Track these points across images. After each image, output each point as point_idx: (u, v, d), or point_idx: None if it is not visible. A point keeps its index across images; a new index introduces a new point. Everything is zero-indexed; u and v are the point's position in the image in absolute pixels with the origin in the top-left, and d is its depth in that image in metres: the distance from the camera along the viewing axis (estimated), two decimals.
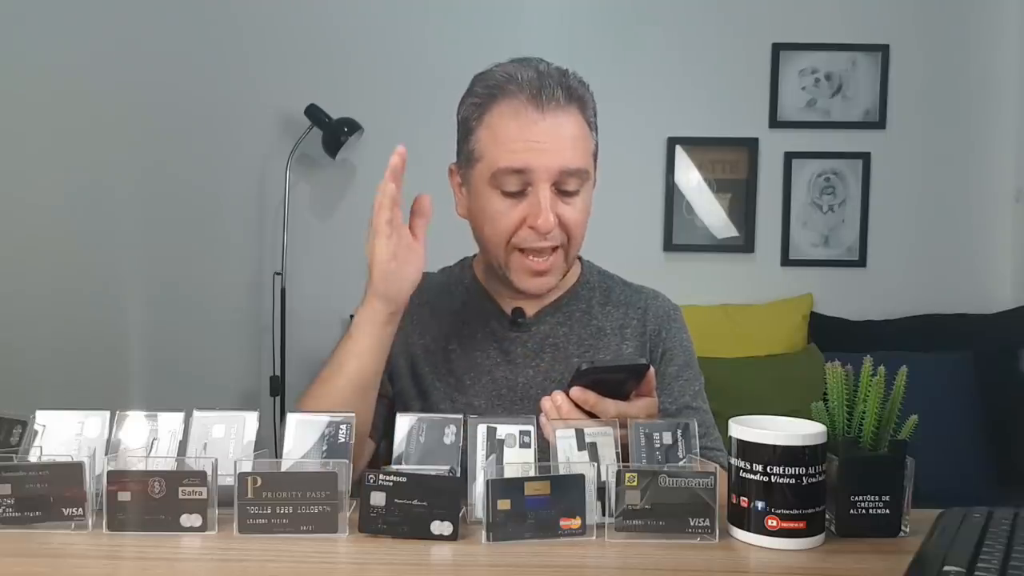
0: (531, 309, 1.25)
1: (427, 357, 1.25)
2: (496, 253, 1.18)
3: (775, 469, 0.84)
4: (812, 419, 0.91)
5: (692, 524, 0.86)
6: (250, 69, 2.96)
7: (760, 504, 0.84)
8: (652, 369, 1.01)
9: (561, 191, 1.13)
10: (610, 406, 0.97)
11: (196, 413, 0.98)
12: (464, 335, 1.25)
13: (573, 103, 1.13)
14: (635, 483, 0.85)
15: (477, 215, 1.19)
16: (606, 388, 0.97)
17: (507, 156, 1.11)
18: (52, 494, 0.88)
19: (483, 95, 1.15)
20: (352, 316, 1.13)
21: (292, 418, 0.97)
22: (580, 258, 1.32)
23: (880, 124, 2.94)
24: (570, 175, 1.12)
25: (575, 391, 0.97)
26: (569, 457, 0.94)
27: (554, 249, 1.16)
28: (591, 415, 0.97)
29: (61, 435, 0.97)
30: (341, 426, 0.96)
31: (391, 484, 0.86)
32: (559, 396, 0.98)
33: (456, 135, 1.21)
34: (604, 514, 0.87)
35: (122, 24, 2.95)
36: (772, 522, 0.84)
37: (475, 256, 1.32)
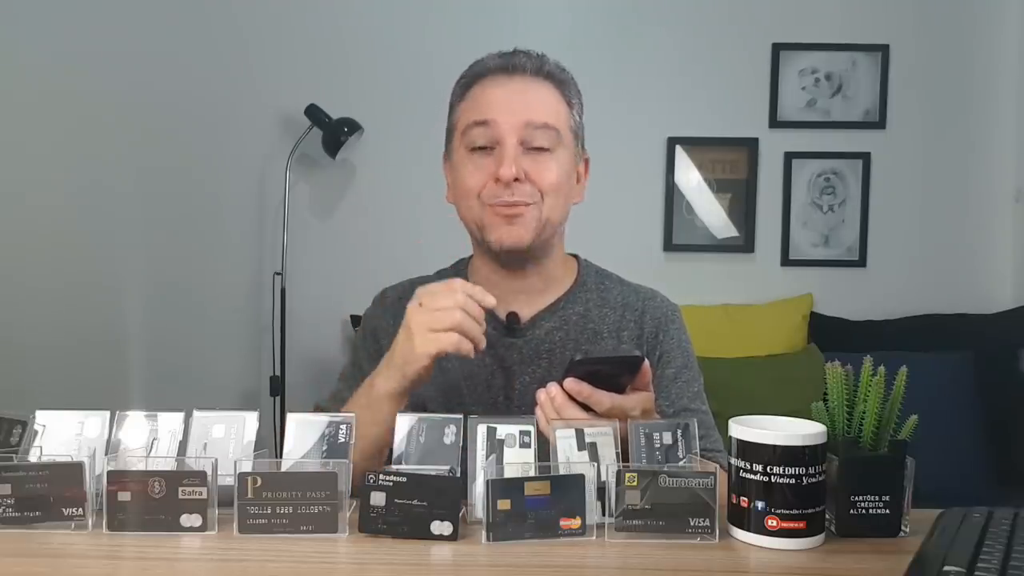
0: (526, 313, 1.24)
1: None
2: (471, 213, 1.19)
3: (775, 469, 0.84)
4: (812, 419, 0.91)
5: (692, 524, 0.86)
6: (250, 69, 2.96)
7: (760, 504, 0.84)
8: (647, 362, 1.00)
9: (531, 148, 1.15)
10: (604, 398, 0.96)
11: (196, 413, 0.98)
12: None
13: (546, 79, 1.18)
14: (635, 483, 0.85)
15: (455, 182, 1.21)
16: (601, 381, 0.97)
17: (474, 112, 1.16)
18: (52, 494, 0.88)
19: (467, 76, 1.21)
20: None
21: (292, 418, 0.97)
22: (577, 258, 1.31)
23: (880, 124, 2.94)
24: (536, 129, 1.15)
25: (569, 382, 0.96)
26: (569, 457, 0.94)
27: (525, 204, 1.16)
28: (586, 407, 0.97)
29: (61, 435, 0.97)
30: (341, 426, 0.96)
31: (391, 484, 0.86)
32: (554, 388, 0.97)
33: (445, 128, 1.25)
34: (604, 514, 0.87)
35: (122, 24, 2.95)
36: (772, 522, 0.84)
37: (470, 258, 1.31)
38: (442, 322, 1.03)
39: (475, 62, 1.22)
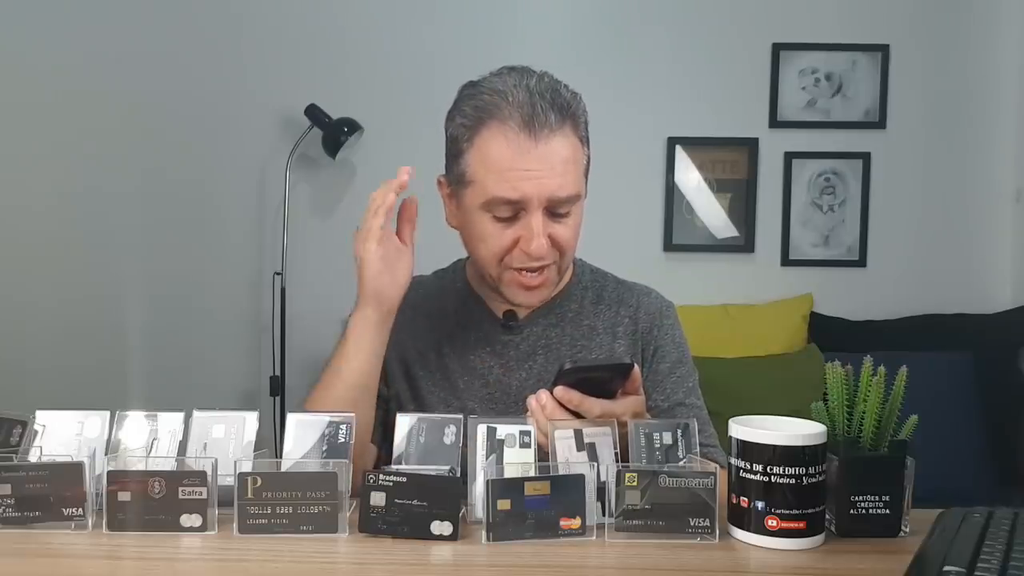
0: (523, 311, 1.25)
1: (421, 361, 1.25)
2: (488, 270, 1.18)
3: (775, 469, 0.84)
4: (812, 419, 0.91)
5: (692, 524, 0.86)
6: (250, 69, 2.96)
7: (760, 504, 0.84)
8: (637, 368, 1.01)
9: (553, 214, 1.13)
10: (594, 405, 0.97)
11: (196, 413, 0.98)
12: (457, 339, 1.25)
13: (566, 122, 1.11)
14: (635, 483, 0.85)
15: (468, 233, 1.19)
16: (592, 387, 0.97)
17: (500, 186, 1.10)
18: (52, 494, 0.88)
19: (472, 116, 1.12)
20: (347, 318, 1.14)
21: (292, 418, 0.97)
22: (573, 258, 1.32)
23: (880, 124, 2.94)
24: (562, 202, 1.13)
25: (559, 390, 0.97)
26: (568, 457, 0.94)
27: (547, 266, 1.16)
28: (576, 414, 0.97)
29: (61, 435, 0.97)
30: (341, 426, 0.96)
31: (391, 484, 0.86)
32: (544, 395, 0.98)
33: (444, 148, 1.20)
34: (604, 514, 0.87)
35: (122, 25, 2.94)
36: (772, 522, 0.84)
37: (468, 259, 1.31)
38: (367, 224, 1.11)
39: (477, 89, 1.14)
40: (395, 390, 1.24)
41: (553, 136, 1.10)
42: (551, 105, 1.10)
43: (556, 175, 1.10)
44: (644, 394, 1.12)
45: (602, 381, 0.99)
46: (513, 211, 1.12)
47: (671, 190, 2.97)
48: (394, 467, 0.92)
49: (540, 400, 0.98)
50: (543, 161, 1.10)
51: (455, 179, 1.18)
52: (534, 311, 1.26)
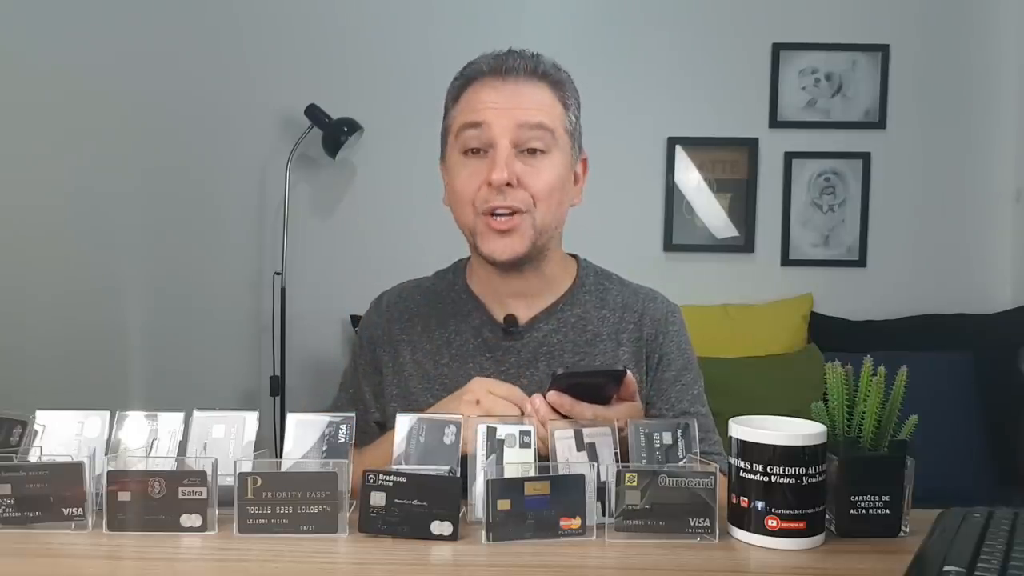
0: (524, 316, 1.23)
1: (418, 373, 1.23)
2: (465, 220, 1.18)
3: (775, 469, 0.84)
4: (812, 419, 0.91)
5: (692, 524, 0.86)
6: (250, 69, 2.96)
7: (760, 504, 0.84)
8: (631, 375, 1.01)
9: (524, 151, 1.14)
10: (587, 410, 0.97)
11: (196, 413, 0.98)
12: (456, 346, 1.23)
13: (541, 79, 1.16)
14: (635, 483, 0.85)
15: (449, 187, 1.20)
16: (586, 392, 0.98)
17: (467, 114, 1.15)
18: (52, 494, 0.88)
19: (460, 78, 1.20)
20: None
21: (292, 418, 0.97)
22: (577, 258, 1.30)
23: (880, 124, 2.94)
24: (530, 130, 1.13)
25: (551, 395, 0.98)
26: (568, 457, 0.94)
27: (519, 212, 1.14)
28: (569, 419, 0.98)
29: (61, 435, 0.97)
30: (341, 426, 0.96)
31: (391, 484, 0.86)
32: (537, 399, 0.99)
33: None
34: (604, 514, 0.87)
35: (122, 25, 2.95)
36: (772, 522, 0.84)
37: (468, 259, 1.30)
38: (494, 410, 1.03)
39: (468, 63, 1.20)
40: (391, 411, 1.21)
41: (523, 81, 1.15)
42: (524, 59, 1.16)
43: (523, 105, 1.14)
44: (643, 400, 1.12)
45: (596, 387, 0.99)
46: (481, 143, 1.14)
47: (671, 190, 2.98)
48: (394, 467, 0.92)
49: (534, 404, 0.98)
50: (511, 95, 1.14)
51: (443, 141, 1.21)
52: (536, 316, 1.23)
